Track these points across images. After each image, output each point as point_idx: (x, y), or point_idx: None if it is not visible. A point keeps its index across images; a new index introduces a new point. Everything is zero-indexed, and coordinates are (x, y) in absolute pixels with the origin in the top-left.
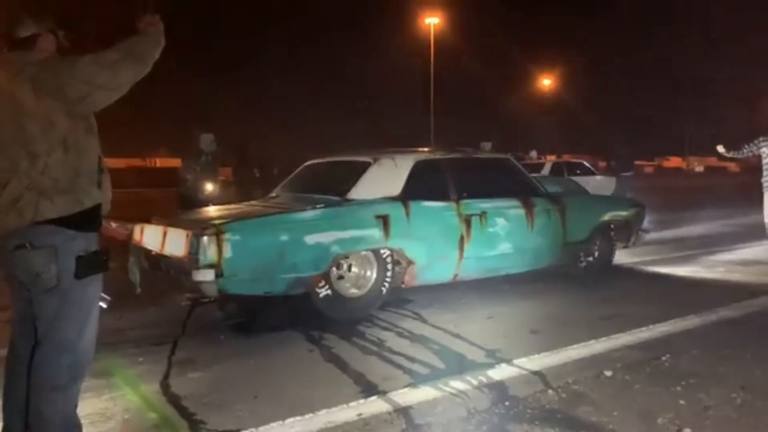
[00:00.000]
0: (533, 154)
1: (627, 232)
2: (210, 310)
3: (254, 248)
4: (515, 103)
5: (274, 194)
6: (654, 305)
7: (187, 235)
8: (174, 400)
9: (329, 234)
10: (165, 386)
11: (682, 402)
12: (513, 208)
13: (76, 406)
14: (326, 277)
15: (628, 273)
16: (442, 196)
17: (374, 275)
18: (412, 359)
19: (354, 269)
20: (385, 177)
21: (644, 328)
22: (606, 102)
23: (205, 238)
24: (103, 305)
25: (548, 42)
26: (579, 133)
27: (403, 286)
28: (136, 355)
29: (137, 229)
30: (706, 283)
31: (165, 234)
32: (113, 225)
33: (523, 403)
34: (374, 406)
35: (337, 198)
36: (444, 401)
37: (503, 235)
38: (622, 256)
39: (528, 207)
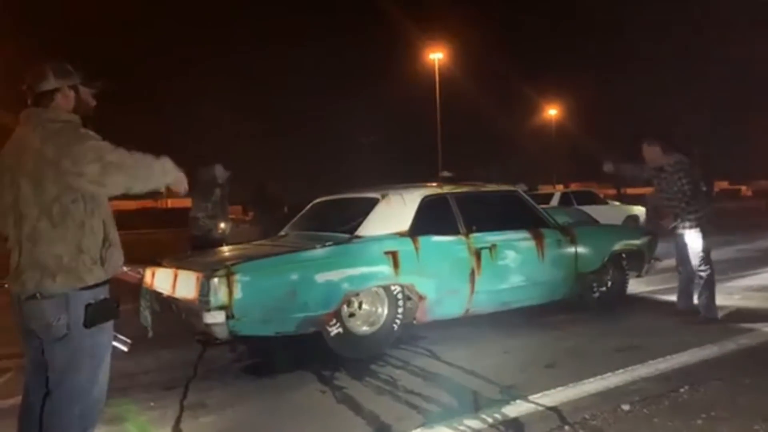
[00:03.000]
0: (521, 186)
1: (639, 261)
2: (221, 353)
3: (265, 289)
4: (523, 132)
5: (283, 233)
6: (670, 335)
7: (198, 278)
8: None
9: (339, 272)
10: (177, 431)
11: None
12: (523, 240)
13: None
14: (337, 315)
15: (643, 302)
16: (451, 231)
17: (385, 312)
18: (425, 398)
19: (365, 306)
20: (393, 213)
21: (661, 359)
22: (614, 129)
23: (216, 279)
24: (124, 348)
25: (554, 71)
26: (585, 161)
27: (414, 322)
28: (148, 399)
29: (148, 272)
30: (724, 311)
31: (176, 276)
32: (125, 269)
33: None
34: None
35: (346, 235)
36: None
37: (514, 268)
38: (635, 286)
39: (538, 238)
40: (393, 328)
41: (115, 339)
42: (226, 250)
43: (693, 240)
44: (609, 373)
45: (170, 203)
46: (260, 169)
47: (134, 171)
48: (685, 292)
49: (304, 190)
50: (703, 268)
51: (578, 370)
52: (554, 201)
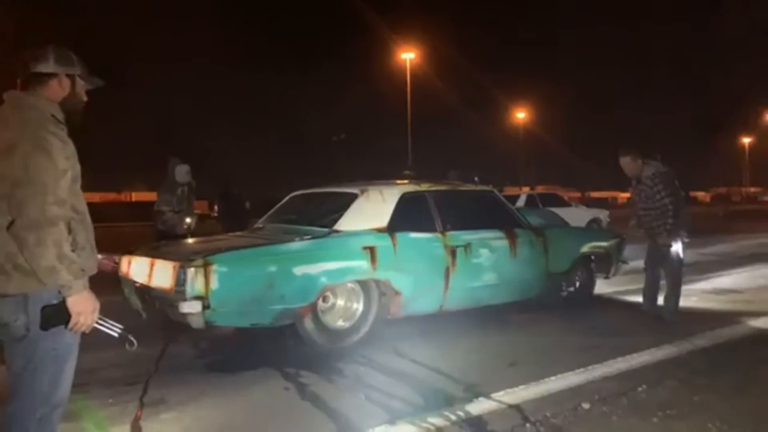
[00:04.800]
0: (453, 174)
1: (607, 262)
2: (183, 349)
3: (242, 280)
4: (491, 134)
5: (259, 225)
6: (631, 335)
7: (174, 267)
8: None
9: (317, 265)
10: (136, 428)
11: None
12: (497, 240)
13: None
14: (313, 308)
15: (608, 303)
16: (428, 228)
17: (361, 307)
18: (390, 395)
19: (340, 301)
20: (372, 209)
21: (621, 359)
22: (579, 134)
23: (192, 269)
24: (129, 348)
25: (525, 76)
26: (551, 164)
27: (389, 317)
28: (107, 396)
29: (125, 260)
30: (681, 313)
31: (152, 266)
32: (99, 257)
33: None
34: None
35: (324, 229)
36: None
37: (488, 266)
38: (602, 287)
39: (511, 238)
40: (368, 323)
41: (106, 326)
42: (202, 241)
43: (673, 248)
44: (570, 372)
45: (134, 197)
46: (229, 164)
47: (30, 221)
48: (649, 295)
49: (274, 185)
50: (675, 274)
51: (541, 369)
52: (520, 202)
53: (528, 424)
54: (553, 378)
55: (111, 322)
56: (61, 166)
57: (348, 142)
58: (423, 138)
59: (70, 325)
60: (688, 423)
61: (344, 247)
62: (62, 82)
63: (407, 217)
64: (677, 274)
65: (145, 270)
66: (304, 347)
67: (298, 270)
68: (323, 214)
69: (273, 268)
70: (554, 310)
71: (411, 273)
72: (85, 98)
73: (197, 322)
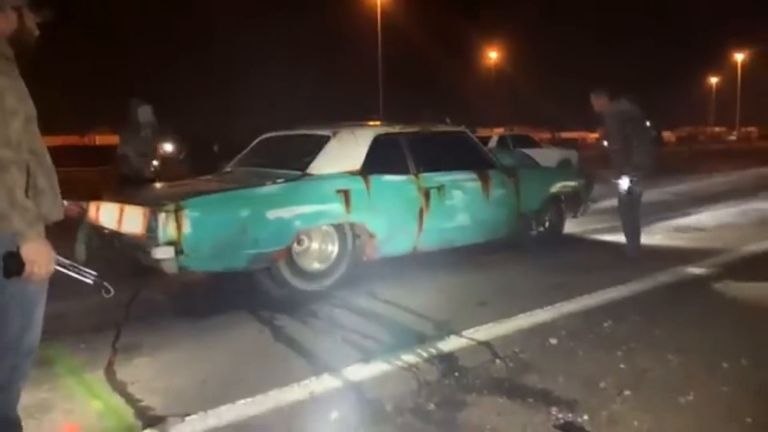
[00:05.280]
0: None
1: (576, 202)
2: (154, 294)
3: (215, 224)
4: (463, 75)
5: (228, 169)
6: (598, 273)
7: (145, 213)
8: (120, 387)
9: (291, 209)
10: (110, 373)
11: (622, 366)
12: (469, 181)
13: (16, 406)
14: (288, 252)
15: (576, 242)
16: (401, 170)
17: (336, 249)
18: (363, 335)
19: (315, 244)
20: (345, 151)
21: (587, 296)
22: (548, 74)
23: (164, 214)
24: (105, 295)
25: (494, 14)
26: (522, 105)
27: (364, 259)
28: (77, 342)
29: (93, 206)
30: (646, 250)
31: (122, 211)
32: (65, 203)
33: (472, 374)
34: (325, 383)
35: (297, 172)
36: (395, 375)
37: (460, 208)
38: (571, 226)
39: (484, 180)
40: (343, 265)
41: (80, 273)
42: (173, 185)
43: (622, 185)
44: (538, 309)
45: (98, 140)
46: (194, 106)
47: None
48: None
49: (242, 127)
50: (626, 212)
51: (509, 307)
52: (492, 143)
53: (497, 360)
54: (521, 315)
55: (85, 269)
56: (11, 106)
57: (317, 84)
58: (393, 79)
59: (25, 274)
60: (648, 355)
61: (318, 191)
62: (8, 16)
63: (380, 159)
64: (627, 212)
65: (114, 216)
66: (278, 290)
67: (272, 214)
68: (295, 156)
69: (246, 213)
70: (525, 249)
71: (385, 215)
72: (36, 32)
73: (170, 267)
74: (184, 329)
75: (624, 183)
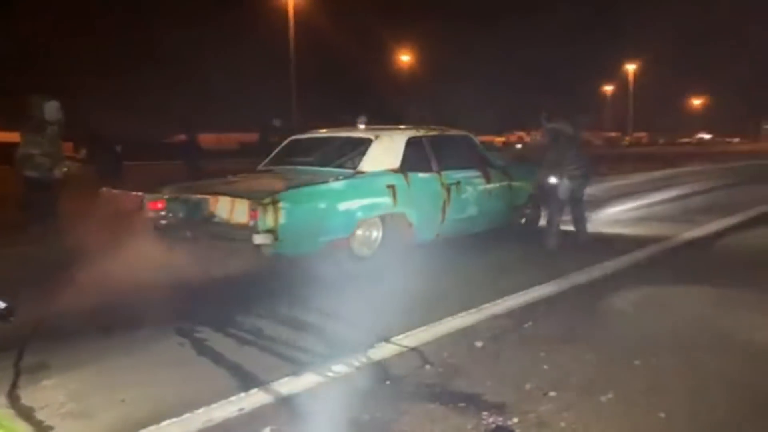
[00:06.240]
0: (362, 119)
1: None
2: (64, 309)
3: (302, 214)
4: (380, 76)
5: (267, 167)
6: (519, 273)
7: (249, 204)
8: (26, 413)
9: (355, 202)
10: (14, 398)
11: (545, 367)
12: (477, 178)
13: None
14: (350, 239)
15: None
16: (427, 169)
17: (380, 237)
18: (292, 347)
19: (366, 232)
20: (386, 152)
21: (512, 296)
22: (461, 79)
23: (266, 206)
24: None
25: (409, 16)
26: (439, 106)
27: (402, 245)
28: None
29: (156, 197)
30: (567, 247)
31: (215, 202)
32: (114, 191)
33: (404, 381)
34: (255, 398)
35: (350, 171)
36: (327, 387)
37: (471, 201)
38: None
39: (486, 177)
40: (385, 250)
41: None
42: (252, 178)
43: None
44: (464, 313)
45: None
46: (97, 104)
47: None
48: (577, 228)
49: (150, 127)
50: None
51: (437, 311)
52: None
53: (427, 366)
54: (449, 318)
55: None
56: None
57: (229, 83)
58: (308, 81)
59: None
60: (569, 355)
61: (373, 186)
62: None
63: (412, 159)
64: (549, 209)
65: (202, 207)
66: (196, 304)
67: (342, 206)
68: (340, 157)
69: (323, 205)
70: (461, 249)
71: (419, 207)
72: None
73: (267, 252)
74: (99, 346)
75: (559, 182)
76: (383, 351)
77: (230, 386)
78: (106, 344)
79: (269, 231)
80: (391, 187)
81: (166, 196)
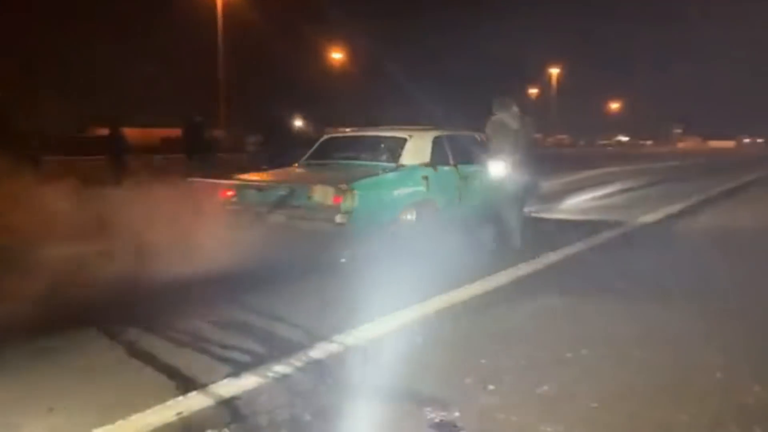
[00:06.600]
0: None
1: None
2: None
3: (370, 199)
4: (311, 74)
5: (318, 161)
6: (461, 269)
7: (334, 190)
8: None
9: (402, 190)
10: None
11: (483, 361)
12: (481, 172)
13: None
14: (398, 220)
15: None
16: (447, 163)
17: (414, 218)
18: (231, 348)
19: (406, 215)
20: (418, 149)
21: (451, 292)
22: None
23: (346, 192)
24: None
25: (341, 15)
26: (370, 105)
27: (430, 225)
28: None
29: (242, 182)
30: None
31: (300, 189)
32: (197, 180)
33: (346, 380)
34: (194, 402)
35: (393, 164)
36: (268, 388)
37: (477, 191)
38: None
39: (486, 170)
40: (417, 229)
41: None
42: (314, 170)
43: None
44: (406, 309)
45: None
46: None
47: None
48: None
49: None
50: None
51: (379, 307)
52: None
53: (370, 364)
54: (390, 315)
55: None
56: None
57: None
58: (238, 82)
59: None
60: (504, 349)
61: (414, 177)
62: None
63: (437, 154)
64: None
65: (279, 192)
66: (130, 305)
67: (396, 193)
68: (381, 152)
69: (383, 192)
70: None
71: (443, 195)
72: None
73: (346, 229)
74: (18, 352)
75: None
76: (324, 349)
77: (167, 390)
78: (30, 347)
79: (347, 212)
80: (425, 177)
81: (239, 184)
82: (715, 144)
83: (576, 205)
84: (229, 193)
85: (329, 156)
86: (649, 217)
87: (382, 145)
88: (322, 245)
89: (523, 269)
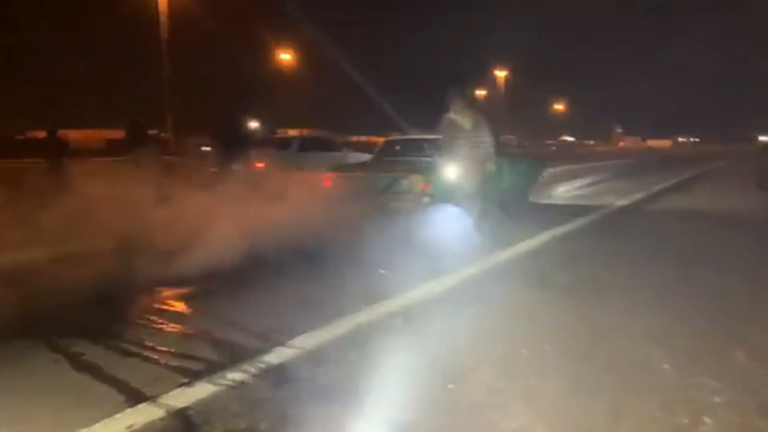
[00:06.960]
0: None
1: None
2: None
3: (439, 183)
4: (260, 75)
5: (389, 157)
6: (412, 272)
7: (423, 179)
8: None
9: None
10: None
11: (445, 361)
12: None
13: None
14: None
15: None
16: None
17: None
18: (182, 356)
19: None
20: None
21: (404, 293)
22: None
23: (430, 180)
24: None
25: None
26: (318, 107)
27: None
28: None
29: (355, 174)
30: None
31: (394, 178)
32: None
33: (302, 386)
34: (145, 413)
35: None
36: (222, 396)
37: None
38: None
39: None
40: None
41: None
42: (398, 164)
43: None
44: (360, 312)
45: None
46: None
47: None
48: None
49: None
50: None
51: (335, 310)
52: (294, 146)
53: (327, 369)
54: (346, 317)
55: None
56: None
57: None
58: (183, 82)
59: None
60: (461, 348)
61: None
62: None
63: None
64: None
65: (383, 180)
66: (71, 314)
67: (448, 180)
68: (431, 151)
69: (444, 179)
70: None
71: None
72: None
73: (428, 203)
74: None
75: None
76: (280, 355)
77: (115, 403)
78: None
79: (430, 195)
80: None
81: (350, 174)
82: (653, 143)
83: (560, 195)
84: (329, 182)
85: (394, 152)
86: (624, 201)
87: (429, 146)
88: (408, 219)
89: (560, 230)
